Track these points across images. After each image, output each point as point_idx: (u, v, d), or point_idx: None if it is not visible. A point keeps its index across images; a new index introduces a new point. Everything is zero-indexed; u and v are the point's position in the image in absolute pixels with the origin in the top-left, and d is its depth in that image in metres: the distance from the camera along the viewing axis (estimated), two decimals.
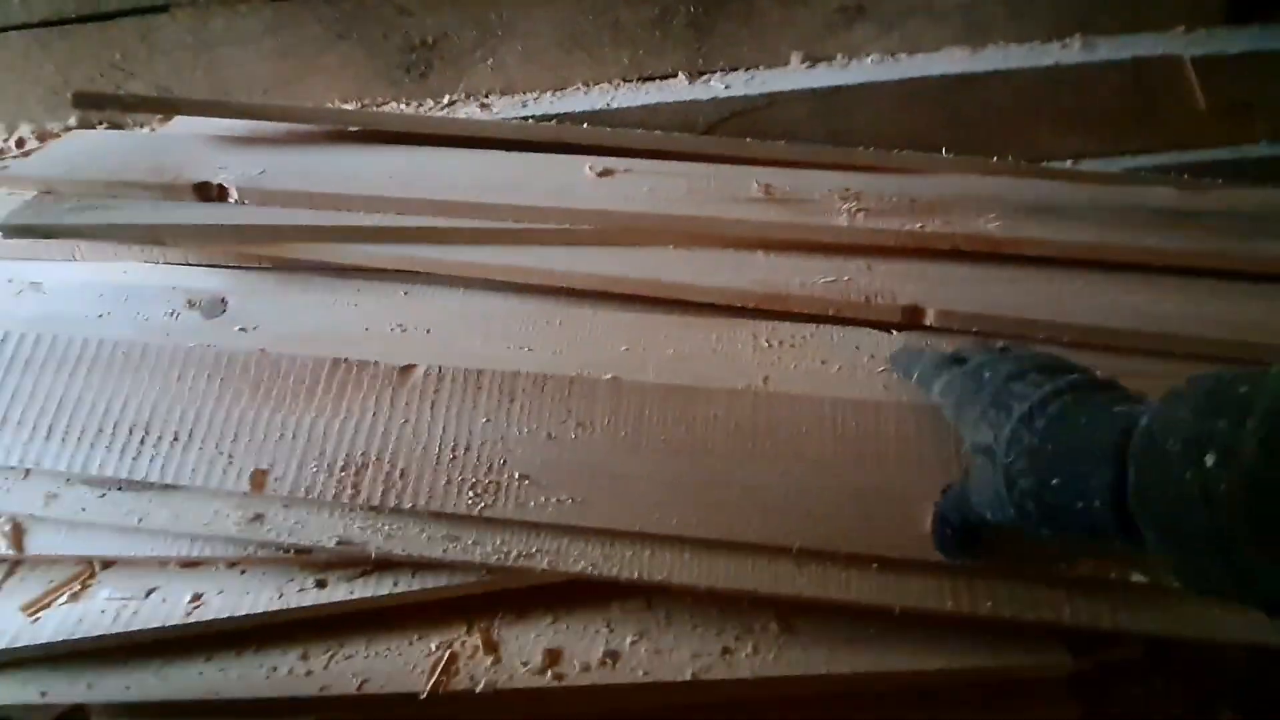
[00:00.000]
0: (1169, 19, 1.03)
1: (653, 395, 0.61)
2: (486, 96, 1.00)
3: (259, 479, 0.59)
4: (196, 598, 0.60)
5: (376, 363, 0.63)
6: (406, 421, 0.60)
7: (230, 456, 0.60)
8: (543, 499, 0.58)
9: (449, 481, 0.58)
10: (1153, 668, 0.71)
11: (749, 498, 0.57)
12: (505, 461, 0.59)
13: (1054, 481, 0.40)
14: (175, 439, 0.61)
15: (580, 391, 0.61)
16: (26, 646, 0.59)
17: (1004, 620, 0.55)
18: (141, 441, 0.61)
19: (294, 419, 0.61)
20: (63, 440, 0.61)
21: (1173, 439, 0.34)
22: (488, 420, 0.60)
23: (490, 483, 0.58)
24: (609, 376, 0.61)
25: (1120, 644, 0.59)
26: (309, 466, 0.59)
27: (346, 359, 0.63)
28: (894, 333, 0.67)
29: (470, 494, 0.58)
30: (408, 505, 0.58)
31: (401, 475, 0.59)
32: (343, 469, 0.59)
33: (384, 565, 0.60)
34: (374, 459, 0.59)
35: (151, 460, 0.60)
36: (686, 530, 0.57)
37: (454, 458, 0.59)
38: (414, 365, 0.63)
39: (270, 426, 0.61)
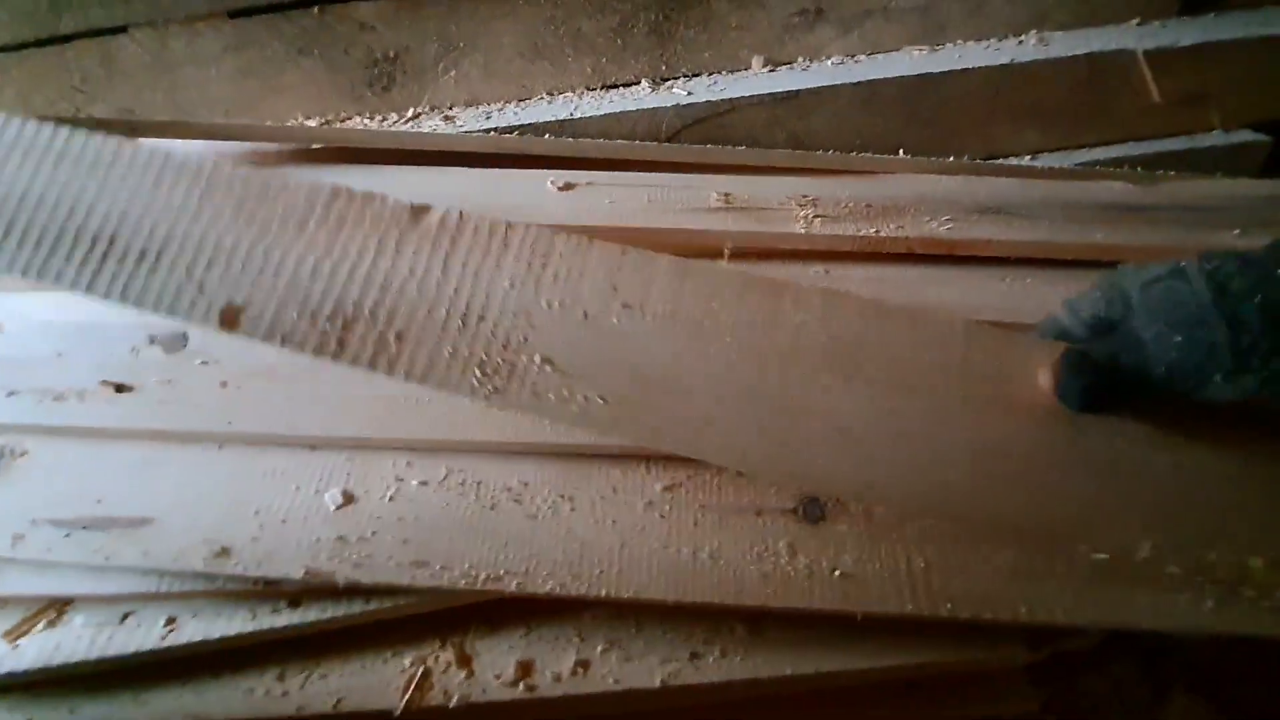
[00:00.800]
0: (1124, 11, 1.04)
1: (728, 284, 0.48)
2: (450, 109, 1.00)
3: (230, 316, 0.51)
4: (171, 621, 0.61)
5: (385, 197, 0.52)
6: (412, 274, 0.51)
7: (201, 285, 0.51)
8: (565, 393, 0.49)
9: (453, 354, 0.50)
10: (1115, 655, 0.74)
11: (835, 435, 0.47)
12: (526, 339, 0.50)
13: None
14: (142, 257, 0.52)
15: (634, 265, 0.49)
16: (10, 673, 0.59)
17: (962, 620, 0.57)
18: (104, 254, 0.52)
19: (278, 252, 0.52)
20: (18, 243, 0.53)
21: None
22: (511, 286, 0.50)
23: (503, 363, 0.50)
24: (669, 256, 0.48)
25: (1074, 636, 0.62)
26: (289, 310, 0.51)
27: (349, 188, 0.52)
28: None
29: (477, 373, 0.50)
30: (399, 374, 0.50)
31: (398, 338, 0.50)
32: (329, 319, 0.51)
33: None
34: (366, 313, 0.51)
35: (113, 278, 0.52)
36: (747, 466, 0.47)
37: (463, 326, 0.50)
38: (429, 206, 0.51)
39: (250, 256, 0.52)
